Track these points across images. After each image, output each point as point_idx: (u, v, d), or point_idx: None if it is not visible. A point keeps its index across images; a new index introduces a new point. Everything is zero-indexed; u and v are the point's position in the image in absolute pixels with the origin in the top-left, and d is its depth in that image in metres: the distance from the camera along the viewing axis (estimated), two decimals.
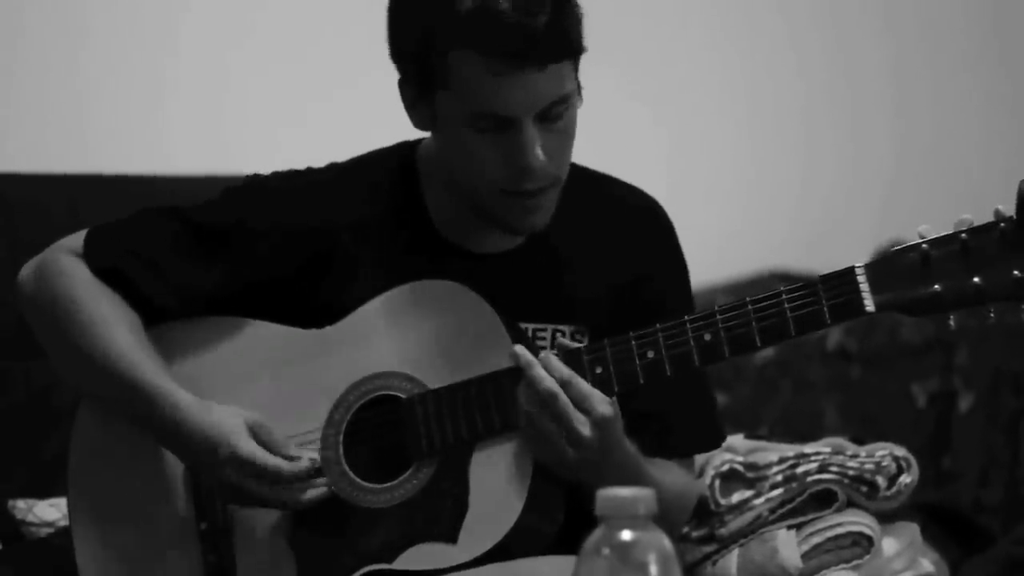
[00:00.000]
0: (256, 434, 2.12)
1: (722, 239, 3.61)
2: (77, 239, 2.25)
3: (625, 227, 2.30)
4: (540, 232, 2.24)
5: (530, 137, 2.11)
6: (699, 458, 2.48)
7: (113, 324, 2.18)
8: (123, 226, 2.26)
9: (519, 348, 2.10)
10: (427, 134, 2.27)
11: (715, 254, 3.39)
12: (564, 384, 2.07)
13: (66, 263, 2.23)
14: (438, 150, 2.23)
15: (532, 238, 2.26)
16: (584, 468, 2.09)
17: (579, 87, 2.16)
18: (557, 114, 2.12)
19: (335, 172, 2.30)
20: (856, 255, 2.09)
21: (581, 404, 2.07)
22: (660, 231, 2.33)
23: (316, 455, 2.14)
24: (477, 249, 2.26)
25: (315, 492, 2.13)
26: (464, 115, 2.12)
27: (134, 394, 2.15)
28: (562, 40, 2.10)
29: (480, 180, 2.15)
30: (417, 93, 2.17)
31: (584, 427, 2.07)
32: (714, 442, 2.38)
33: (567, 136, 2.15)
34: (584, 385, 2.07)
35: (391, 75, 2.20)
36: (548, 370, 2.08)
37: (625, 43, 3.57)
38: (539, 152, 2.11)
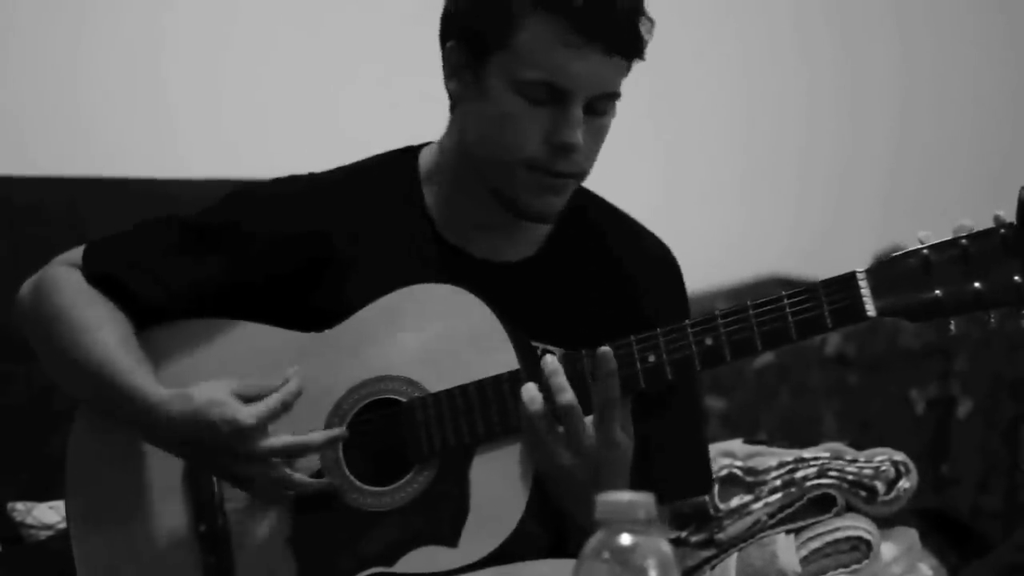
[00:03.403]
0: (246, 396, 2.11)
1: (721, 244, 3.61)
2: (76, 252, 2.26)
3: (635, 268, 2.29)
4: (550, 249, 2.24)
5: (577, 117, 2.12)
6: None
7: (97, 328, 2.18)
8: (120, 236, 2.27)
9: (549, 357, 2.10)
10: (428, 141, 2.27)
11: (714, 259, 3.39)
12: None
13: (61, 275, 2.23)
14: (459, 127, 2.21)
15: (540, 255, 2.26)
16: (573, 478, 2.09)
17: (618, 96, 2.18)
18: (602, 109, 2.15)
19: (334, 177, 2.29)
20: (855, 261, 2.10)
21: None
22: (670, 281, 2.32)
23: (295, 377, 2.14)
24: (479, 254, 2.26)
25: (314, 483, 2.13)
26: (518, 80, 2.12)
27: (117, 397, 2.14)
28: (634, 35, 2.13)
29: (508, 151, 2.15)
30: (469, 56, 2.16)
31: (591, 440, 2.08)
32: (702, 488, 2.37)
33: (601, 135, 2.17)
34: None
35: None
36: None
37: None
38: (580, 135, 2.12)
